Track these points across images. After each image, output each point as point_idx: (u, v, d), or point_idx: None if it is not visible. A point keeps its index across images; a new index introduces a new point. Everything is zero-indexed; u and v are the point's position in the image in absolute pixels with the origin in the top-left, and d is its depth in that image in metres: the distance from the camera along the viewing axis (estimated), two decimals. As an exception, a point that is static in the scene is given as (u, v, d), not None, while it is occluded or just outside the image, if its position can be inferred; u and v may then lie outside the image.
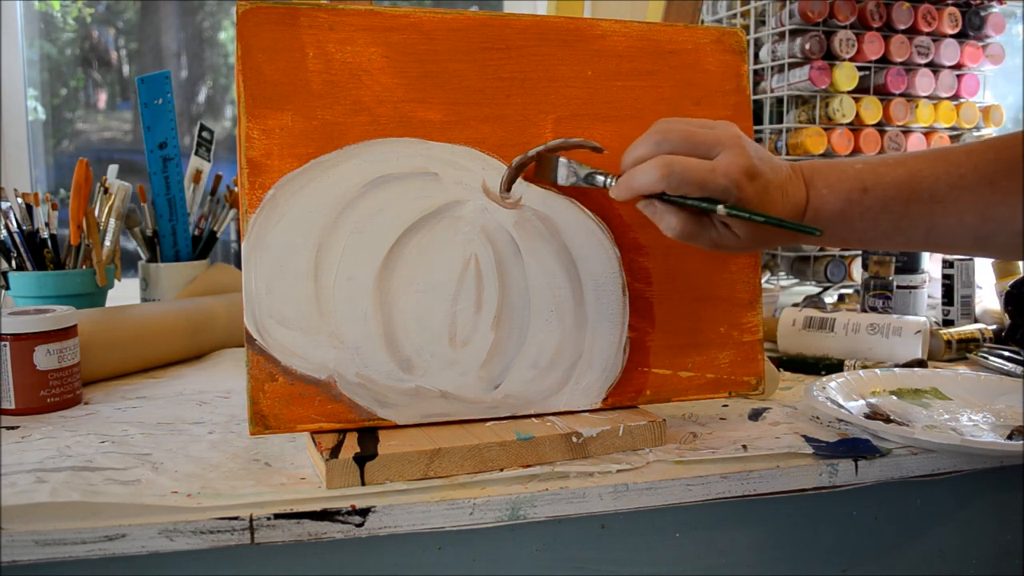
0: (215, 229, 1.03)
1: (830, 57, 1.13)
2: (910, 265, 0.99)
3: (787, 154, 1.15)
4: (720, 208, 0.52)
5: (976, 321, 1.01)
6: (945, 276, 1.01)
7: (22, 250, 0.89)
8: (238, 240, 1.06)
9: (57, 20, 1.49)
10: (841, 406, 0.66)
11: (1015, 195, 0.49)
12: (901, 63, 1.16)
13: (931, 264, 1.04)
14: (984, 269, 1.06)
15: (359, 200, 0.56)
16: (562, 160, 0.57)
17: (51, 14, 1.49)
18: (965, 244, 0.52)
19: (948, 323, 1.01)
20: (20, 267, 0.90)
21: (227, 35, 1.59)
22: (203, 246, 1.02)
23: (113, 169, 0.98)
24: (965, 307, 1.01)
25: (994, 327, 0.93)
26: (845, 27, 1.12)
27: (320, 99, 0.56)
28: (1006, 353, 0.85)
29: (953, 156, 0.53)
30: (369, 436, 0.55)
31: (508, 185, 0.59)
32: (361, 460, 0.51)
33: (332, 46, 0.57)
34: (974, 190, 0.50)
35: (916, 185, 0.53)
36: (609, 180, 0.55)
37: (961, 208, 0.51)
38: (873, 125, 1.16)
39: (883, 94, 1.17)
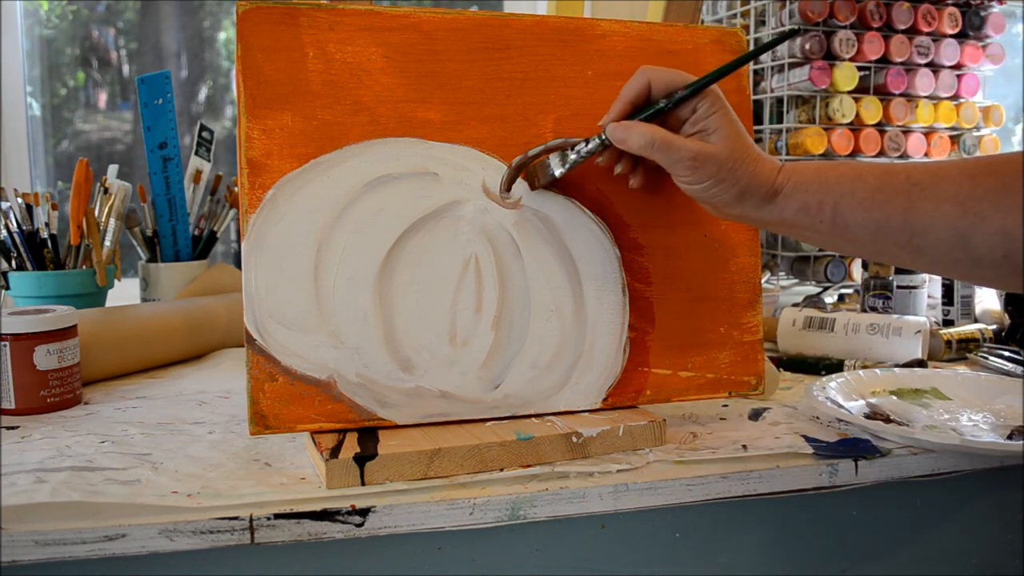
0: (215, 229, 1.03)
1: (830, 57, 1.13)
2: (910, 265, 0.99)
3: (787, 154, 1.15)
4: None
5: (976, 321, 1.01)
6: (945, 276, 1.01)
7: (22, 250, 0.89)
8: (238, 240, 1.06)
9: (43, 18, 1.49)
10: (841, 406, 0.66)
11: (998, 192, 0.48)
12: (901, 63, 1.16)
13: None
14: (984, 269, 1.05)
15: (359, 200, 0.56)
16: (549, 158, 0.58)
17: (41, 14, 1.48)
18: (946, 236, 0.50)
19: (948, 323, 1.01)
20: (20, 267, 0.90)
21: (227, 35, 1.59)
22: (203, 246, 1.02)
23: (113, 169, 0.98)
24: (965, 307, 1.01)
25: (994, 327, 0.93)
26: (845, 27, 1.12)
27: (320, 99, 0.56)
28: (1006, 353, 0.85)
29: (930, 162, 0.53)
30: (369, 436, 0.55)
31: (508, 185, 0.59)
32: (361, 460, 0.51)
33: (332, 46, 0.57)
34: (954, 180, 0.50)
35: (892, 169, 0.53)
36: (598, 138, 0.57)
37: (940, 194, 0.50)
38: (873, 125, 1.16)
39: (883, 94, 1.17)
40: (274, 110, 0.55)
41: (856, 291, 1.19)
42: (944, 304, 1.02)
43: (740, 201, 0.54)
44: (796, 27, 0.51)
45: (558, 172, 0.57)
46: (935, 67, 1.18)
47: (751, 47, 1.19)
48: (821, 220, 0.53)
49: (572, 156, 0.57)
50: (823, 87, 1.12)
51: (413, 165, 0.57)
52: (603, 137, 0.56)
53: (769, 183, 0.54)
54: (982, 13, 1.19)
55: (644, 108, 0.56)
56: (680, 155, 0.53)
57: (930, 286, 1.01)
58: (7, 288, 0.90)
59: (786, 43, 1.14)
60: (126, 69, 1.56)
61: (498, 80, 0.60)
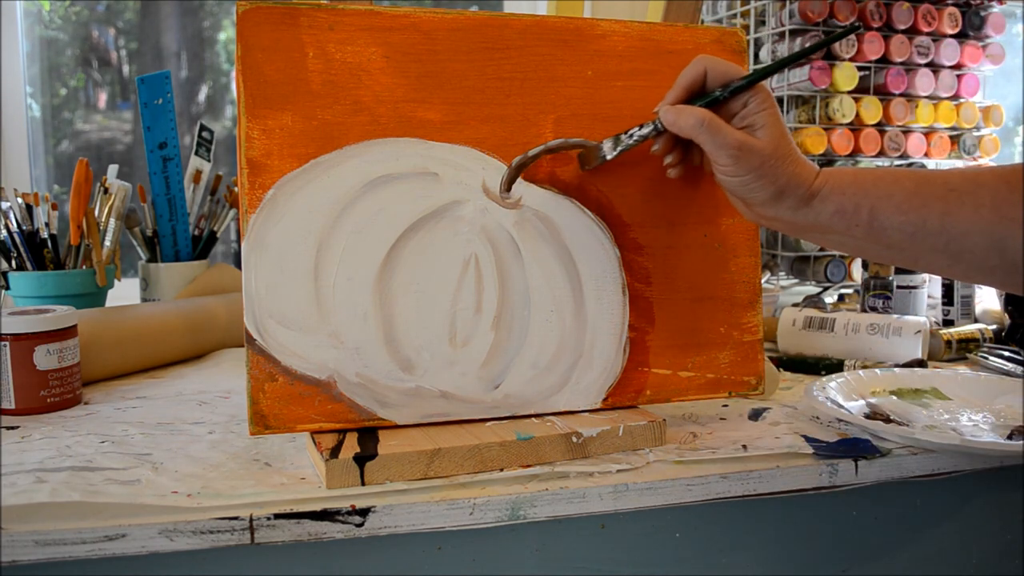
0: (215, 229, 1.03)
1: (830, 57, 1.13)
2: (910, 265, 0.99)
3: (787, 154, 1.15)
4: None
5: (976, 321, 1.01)
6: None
7: (22, 250, 0.89)
8: (238, 240, 1.06)
9: (46, 18, 1.49)
10: (841, 406, 0.66)
11: None
12: (901, 63, 1.16)
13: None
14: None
15: (359, 200, 0.56)
16: (603, 142, 0.58)
17: (43, 13, 1.48)
18: (983, 242, 0.50)
19: (948, 323, 1.01)
20: (20, 267, 0.90)
21: (227, 35, 1.59)
22: (203, 246, 1.02)
23: (113, 169, 0.98)
24: (965, 307, 1.01)
25: (994, 327, 0.93)
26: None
27: (320, 99, 0.56)
28: (1006, 353, 0.85)
29: (967, 168, 0.53)
30: (369, 436, 0.55)
31: (508, 185, 0.59)
32: (361, 460, 0.51)
33: (332, 46, 0.57)
34: (991, 186, 0.50)
35: (929, 174, 0.53)
36: (653, 124, 0.57)
37: (977, 200, 0.50)
38: (873, 125, 1.16)
39: (883, 94, 1.17)
40: (274, 110, 0.55)
41: (856, 291, 1.19)
42: (944, 304, 1.02)
43: (777, 201, 0.54)
44: (857, 24, 0.52)
45: (610, 156, 0.58)
46: (935, 67, 1.18)
47: (751, 47, 1.19)
48: (857, 224, 0.53)
49: (625, 140, 0.57)
50: (823, 87, 1.12)
51: (413, 165, 0.57)
52: (657, 122, 0.56)
53: (807, 185, 0.54)
54: (982, 13, 1.19)
55: (700, 96, 0.56)
56: (727, 141, 0.53)
57: (930, 286, 1.01)
58: (7, 288, 0.90)
59: (785, 43, 1.14)
60: (126, 69, 1.56)
61: (498, 80, 0.60)
